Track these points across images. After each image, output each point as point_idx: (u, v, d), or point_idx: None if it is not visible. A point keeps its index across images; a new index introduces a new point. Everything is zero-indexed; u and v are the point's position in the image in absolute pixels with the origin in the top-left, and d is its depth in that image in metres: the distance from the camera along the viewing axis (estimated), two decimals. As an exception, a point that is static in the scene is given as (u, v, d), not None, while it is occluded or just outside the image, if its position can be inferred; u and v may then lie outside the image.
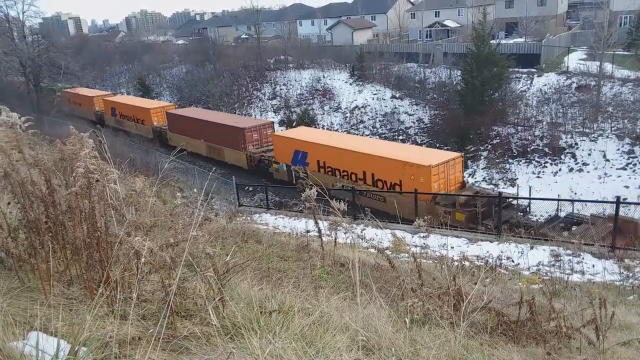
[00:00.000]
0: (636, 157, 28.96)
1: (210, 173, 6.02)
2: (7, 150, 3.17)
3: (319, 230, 5.96)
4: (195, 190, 24.29)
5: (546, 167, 30.67)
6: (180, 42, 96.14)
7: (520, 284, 6.33)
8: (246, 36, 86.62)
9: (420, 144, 37.64)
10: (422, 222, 5.11)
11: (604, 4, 38.28)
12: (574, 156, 30.86)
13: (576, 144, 31.65)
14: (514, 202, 21.07)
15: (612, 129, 31.92)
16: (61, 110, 46.74)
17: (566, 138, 32.33)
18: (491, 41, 38.32)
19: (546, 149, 32.20)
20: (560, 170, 30.00)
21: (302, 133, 30.38)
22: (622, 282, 8.89)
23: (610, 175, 27.81)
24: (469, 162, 32.26)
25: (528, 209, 21.61)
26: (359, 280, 4.80)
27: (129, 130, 44.17)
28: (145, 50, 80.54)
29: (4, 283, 3.25)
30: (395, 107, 43.62)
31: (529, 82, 40.47)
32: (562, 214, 19.26)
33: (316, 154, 26.75)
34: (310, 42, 72.49)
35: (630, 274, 9.37)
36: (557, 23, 61.21)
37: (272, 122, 37.11)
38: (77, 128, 3.68)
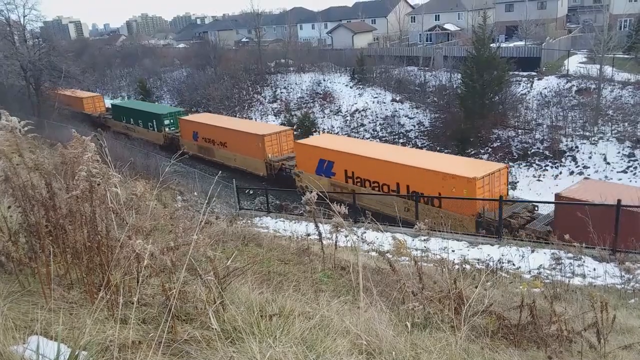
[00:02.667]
0: (637, 160, 28.96)
1: (216, 177, 6.01)
2: (7, 154, 3.17)
3: (320, 234, 5.96)
4: (195, 193, 24.31)
5: (547, 170, 30.67)
6: (181, 45, 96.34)
7: (521, 287, 6.32)
8: (247, 40, 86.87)
9: (421, 147, 37.65)
10: (423, 226, 5.11)
11: (603, 7, 38.37)
12: (574, 159, 30.87)
13: (577, 147, 31.66)
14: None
15: (613, 132, 31.93)
16: (62, 113, 46.65)
17: (566, 141, 32.34)
18: (491, 44, 38.37)
19: (547, 152, 32.21)
20: (560, 173, 30.01)
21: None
22: (623, 286, 8.88)
23: (611, 179, 27.80)
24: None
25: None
26: (359, 283, 4.80)
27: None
28: (145, 54, 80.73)
29: (5, 287, 3.25)
30: (396, 111, 43.66)
31: (529, 85, 40.50)
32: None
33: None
34: (311, 45, 72.64)
35: (632, 277, 9.35)
36: (557, 26, 61.29)
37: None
38: (82, 132, 3.68)
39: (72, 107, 53.23)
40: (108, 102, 58.96)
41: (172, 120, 41.73)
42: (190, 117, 41.64)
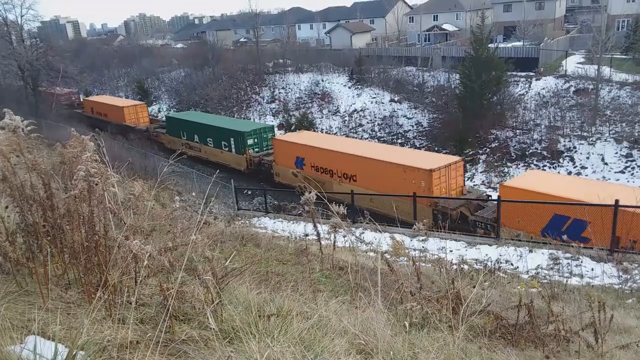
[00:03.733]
0: (634, 160, 29.02)
1: (214, 177, 6.02)
2: (5, 153, 3.17)
3: (318, 234, 5.96)
4: (194, 193, 24.29)
5: (545, 170, 30.72)
6: (179, 45, 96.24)
7: (519, 287, 6.34)
8: (245, 40, 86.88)
9: (419, 148, 37.67)
10: (422, 226, 5.11)
11: (601, 8, 38.45)
12: (572, 160, 30.93)
13: (574, 147, 31.72)
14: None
15: (610, 132, 32.00)
16: (60, 113, 46.59)
17: (564, 141, 32.40)
18: (489, 45, 38.43)
19: (545, 153, 32.27)
20: (558, 173, 30.06)
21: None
22: (620, 286, 8.89)
23: (609, 179, 27.86)
24: (468, 166, 32.29)
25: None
26: (357, 283, 4.81)
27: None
28: (143, 54, 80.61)
29: (2, 287, 3.24)
30: (394, 111, 43.69)
31: (527, 85, 40.56)
32: None
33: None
34: (309, 45, 72.69)
35: (629, 277, 9.38)
36: (555, 27, 61.39)
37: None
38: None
39: (108, 117, 47.59)
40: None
41: (256, 140, 33.53)
42: (291, 136, 32.70)
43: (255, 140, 33.46)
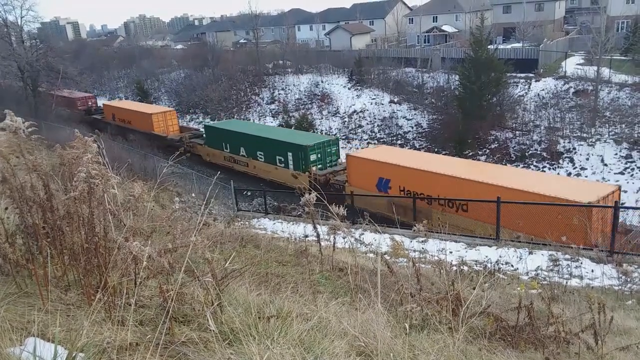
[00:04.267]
0: (634, 161, 29.03)
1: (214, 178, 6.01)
2: (5, 155, 3.16)
3: (318, 235, 5.96)
4: (193, 194, 24.28)
5: (544, 171, 30.73)
6: (179, 46, 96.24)
7: (518, 289, 6.34)
8: (244, 41, 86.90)
9: (419, 149, 37.68)
10: (421, 227, 5.11)
11: (601, 9, 38.47)
12: (572, 161, 30.94)
13: (574, 148, 31.73)
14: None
15: (610, 133, 32.02)
16: (59, 115, 46.57)
17: (564, 143, 32.42)
18: (489, 46, 38.46)
19: (544, 154, 32.28)
20: (558, 174, 30.07)
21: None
22: (620, 287, 8.89)
23: (608, 180, 27.87)
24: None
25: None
26: (357, 285, 4.80)
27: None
28: (143, 55, 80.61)
29: (1, 288, 3.24)
30: (394, 112, 43.71)
31: (526, 87, 40.59)
32: None
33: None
34: (309, 47, 72.70)
35: (629, 279, 9.37)
36: (555, 28, 61.43)
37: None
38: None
39: (133, 124, 43.43)
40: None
41: (320, 155, 28.64)
42: (370, 152, 25.87)
43: (319, 155, 28.55)
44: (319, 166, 28.49)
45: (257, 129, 35.17)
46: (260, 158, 31.48)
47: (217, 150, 35.37)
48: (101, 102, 57.71)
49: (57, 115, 44.72)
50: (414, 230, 5.57)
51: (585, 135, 32.57)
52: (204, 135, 38.22)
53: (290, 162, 29.27)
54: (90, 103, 55.04)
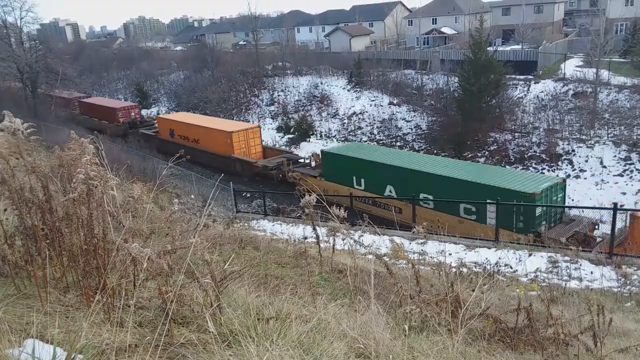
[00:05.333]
0: (633, 163, 29.06)
1: (217, 182, 6.01)
2: (5, 156, 3.16)
3: (317, 237, 5.95)
4: (192, 196, 24.27)
5: (543, 173, 30.75)
6: (178, 48, 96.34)
7: (518, 290, 6.34)
8: (244, 42, 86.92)
9: (418, 151, 37.71)
10: (421, 229, 5.11)
11: (600, 12, 38.55)
12: (571, 163, 30.96)
13: (573, 150, 31.76)
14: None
15: (609, 135, 32.06)
16: (59, 116, 46.51)
17: (563, 144, 32.44)
18: (488, 48, 38.51)
19: (543, 156, 32.30)
20: (557, 176, 30.08)
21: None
22: (619, 289, 8.89)
23: (607, 182, 27.90)
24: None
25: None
26: (356, 287, 4.80)
27: None
28: (143, 57, 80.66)
29: (0, 290, 3.23)
30: (393, 114, 43.74)
31: (525, 88, 40.64)
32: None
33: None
34: (308, 48, 72.73)
35: (628, 281, 9.38)
36: (554, 30, 61.56)
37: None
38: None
39: (201, 144, 35.16)
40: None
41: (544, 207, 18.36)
42: None
43: (544, 208, 18.38)
44: (543, 223, 18.32)
45: (417, 161, 23.96)
46: (427, 204, 20.93)
47: (341, 186, 24.79)
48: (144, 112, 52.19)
49: (56, 117, 44.66)
50: (413, 232, 5.57)
51: (584, 137, 32.61)
52: (322, 164, 27.82)
53: (490, 216, 18.31)
54: (133, 114, 46.42)
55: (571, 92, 38.18)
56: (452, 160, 26.91)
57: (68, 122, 42.65)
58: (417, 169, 22.13)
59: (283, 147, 39.59)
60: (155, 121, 43.84)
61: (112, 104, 46.59)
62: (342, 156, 25.94)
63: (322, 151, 28.40)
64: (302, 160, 32.53)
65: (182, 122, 38.52)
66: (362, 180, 24.59)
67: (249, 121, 49.55)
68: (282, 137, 45.49)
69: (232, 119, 49.19)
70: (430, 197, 20.84)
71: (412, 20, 72.55)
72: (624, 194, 26.29)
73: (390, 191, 23.30)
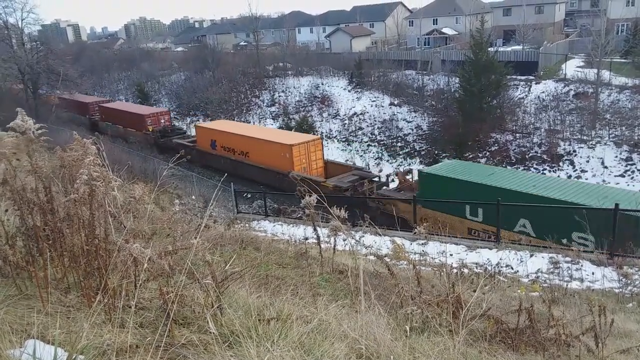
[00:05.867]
0: (634, 164, 29.02)
1: (220, 183, 6.03)
2: (8, 156, 3.16)
3: (318, 237, 5.95)
4: (193, 197, 24.28)
5: (544, 174, 30.72)
6: (179, 49, 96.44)
7: (519, 291, 6.33)
8: (245, 43, 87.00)
9: (420, 151, 37.70)
10: (422, 230, 5.11)
11: (601, 12, 38.54)
12: (572, 163, 30.93)
13: (574, 151, 31.73)
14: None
15: (610, 136, 32.02)
16: (60, 117, 46.51)
17: (564, 145, 32.41)
18: (489, 49, 38.48)
19: (544, 156, 32.27)
20: (558, 177, 30.06)
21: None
22: (621, 290, 8.88)
23: (609, 182, 27.85)
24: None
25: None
26: (357, 287, 4.79)
27: None
28: (144, 58, 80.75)
29: (1, 291, 3.23)
30: (394, 114, 43.73)
31: (526, 89, 40.61)
32: None
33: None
34: (309, 49, 72.75)
35: (629, 282, 9.36)
36: (555, 31, 61.53)
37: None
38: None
39: (259, 160, 30.27)
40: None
41: None
42: None
43: None
44: None
45: (563, 188, 17.70)
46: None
47: (450, 216, 19.12)
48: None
49: (57, 117, 44.66)
50: (414, 233, 5.56)
51: (585, 137, 32.57)
52: (420, 187, 22.10)
53: None
54: (163, 121, 41.46)
55: (572, 92, 38.14)
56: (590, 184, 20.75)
57: (87, 129, 40.37)
58: (577, 201, 15.85)
59: (349, 162, 33.98)
60: (183, 128, 40.82)
61: (138, 109, 42.47)
62: (450, 179, 20.37)
63: (420, 172, 22.99)
64: (377, 179, 27.58)
65: (227, 132, 33.74)
66: (479, 211, 18.78)
67: (249, 122, 49.47)
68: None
69: (233, 120, 49.17)
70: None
71: (412, 21, 72.56)
72: (625, 194, 26.27)
73: (523, 226, 17.34)
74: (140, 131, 40.59)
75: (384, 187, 25.93)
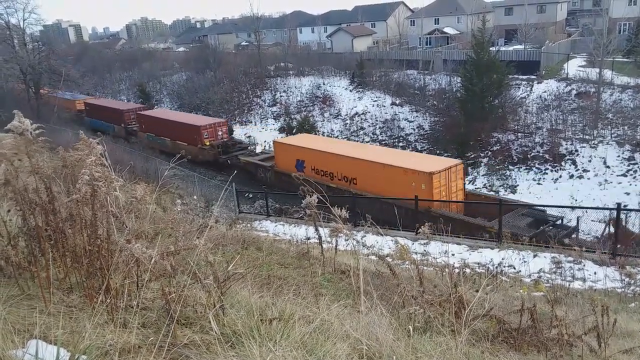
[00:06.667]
0: (636, 163, 28.96)
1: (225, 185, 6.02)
2: (9, 157, 3.16)
3: (320, 237, 5.94)
4: (195, 197, 24.29)
5: (547, 173, 30.68)
6: (181, 49, 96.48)
7: (521, 291, 6.32)
8: (246, 43, 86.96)
9: (421, 151, 37.67)
10: (425, 230, 5.10)
11: (603, 11, 38.48)
12: (574, 163, 30.87)
13: (576, 150, 31.67)
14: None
15: (612, 135, 31.96)
16: (61, 117, 46.55)
17: (566, 145, 32.36)
18: (491, 48, 38.45)
19: (546, 156, 32.22)
20: (560, 177, 30.02)
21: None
22: (623, 289, 8.87)
23: (611, 182, 27.80)
24: (470, 169, 32.27)
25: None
26: (359, 287, 4.79)
27: None
28: (145, 58, 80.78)
29: (4, 291, 3.24)
30: (396, 114, 43.70)
31: (528, 88, 40.55)
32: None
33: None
34: (310, 49, 72.76)
35: (632, 281, 9.35)
36: (557, 30, 61.42)
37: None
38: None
39: (334, 181, 25.04)
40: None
41: None
42: None
43: None
44: None
45: None
46: None
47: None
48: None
49: (59, 118, 44.71)
50: (417, 233, 5.55)
51: (587, 137, 32.51)
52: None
53: None
54: (221, 133, 34.62)
55: (574, 92, 38.08)
56: None
57: (122, 140, 37.34)
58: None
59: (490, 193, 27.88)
60: (243, 141, 35.87)
61: (192, 119, 36.12)
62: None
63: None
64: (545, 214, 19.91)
65: (320, 150, 26.32)
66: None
67: (251, 122, 49.47)
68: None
69: (235, 120, 49.16)
70: None
71: (414, 21, 72.48)
72: (628, 194, 26.20)
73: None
74: (194, 145, 33.57)
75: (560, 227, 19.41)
